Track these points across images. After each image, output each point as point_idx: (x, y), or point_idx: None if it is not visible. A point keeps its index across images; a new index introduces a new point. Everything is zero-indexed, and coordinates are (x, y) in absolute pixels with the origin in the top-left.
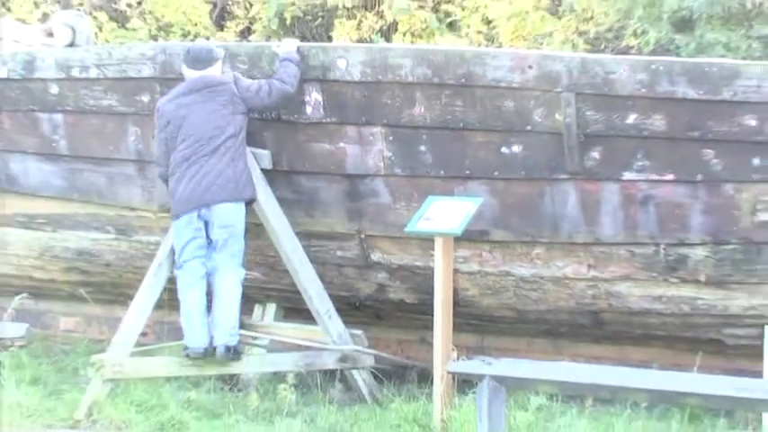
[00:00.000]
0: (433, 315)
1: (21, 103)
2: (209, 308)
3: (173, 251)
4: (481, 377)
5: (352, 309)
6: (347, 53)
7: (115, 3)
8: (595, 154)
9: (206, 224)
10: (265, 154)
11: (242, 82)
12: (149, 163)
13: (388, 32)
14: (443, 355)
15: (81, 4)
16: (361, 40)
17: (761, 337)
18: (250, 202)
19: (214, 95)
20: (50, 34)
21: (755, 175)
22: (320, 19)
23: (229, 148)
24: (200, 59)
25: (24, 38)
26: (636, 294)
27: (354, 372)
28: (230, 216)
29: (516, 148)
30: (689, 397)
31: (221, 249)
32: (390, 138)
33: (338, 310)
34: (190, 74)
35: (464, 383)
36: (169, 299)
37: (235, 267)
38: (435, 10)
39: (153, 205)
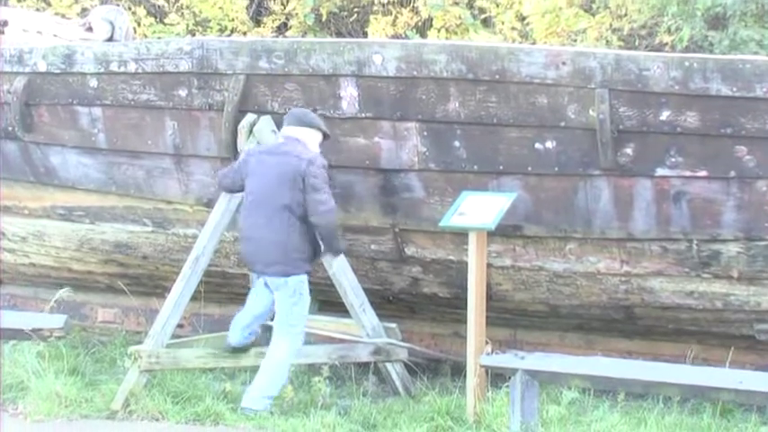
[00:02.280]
0: (466, 309)
1: (60, 97)
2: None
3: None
4: (514, 371)
5: (386, 302)
6: (383, 49)
7: None
8: (629, 150)
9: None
10: None
11: (312, 172)
12: (186, 157)
13: (423, 28)
14: (476, 349)
15: (120, 0)
16: (396, 36)
17: None
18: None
19: (285, 165)
20: (89, 29)
21: None
22: (355, 15)
23: (284, 219)
24: (295, 115)
25: (32, 26)
26: (668, 290)
27: (388, 365)
28: (278, 286)
29: (550, 144)
30: (721, 392)
31: (276, 313)
32: (425, 133)
33: (372, 304)
34: (284, 131)
35: (497, 377)
36: (205, 291)
37: (283, 336)
38: (470, 6)
39: (189, 198)
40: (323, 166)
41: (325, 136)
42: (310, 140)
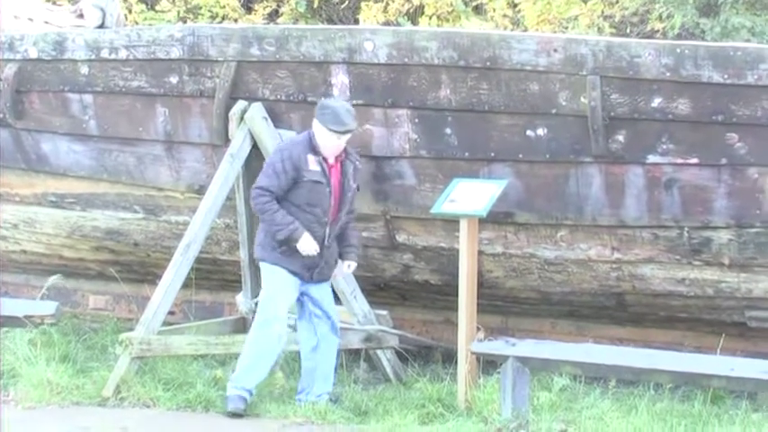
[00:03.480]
0: (457, 296)
1: (51, 84)
2: None
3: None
4: (505, 358)
5: (378, 289)
6: (374, 36)
7: None
8: (620, 137)
9: None
10: (292, 135)
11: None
12: (177, 143)
13: (414, 15)
14: (468, 336)
15: None
16: (387, 23)
17: None
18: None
19: None
20: (80, 16)
21: None
22: (347, 2)
23: None
24: None
25: (23, 12)
26: (659, 277)
27: (379, 351)
28: None
29: (541, 131)
30: (712, 379)
31: None
32: (416, 120)
33: (363, 291)
34: None
35: (488, 364)
36: (196, 278)
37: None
38: None
39: (180, 185)
40: (278, 149)
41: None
42: (316, 132)
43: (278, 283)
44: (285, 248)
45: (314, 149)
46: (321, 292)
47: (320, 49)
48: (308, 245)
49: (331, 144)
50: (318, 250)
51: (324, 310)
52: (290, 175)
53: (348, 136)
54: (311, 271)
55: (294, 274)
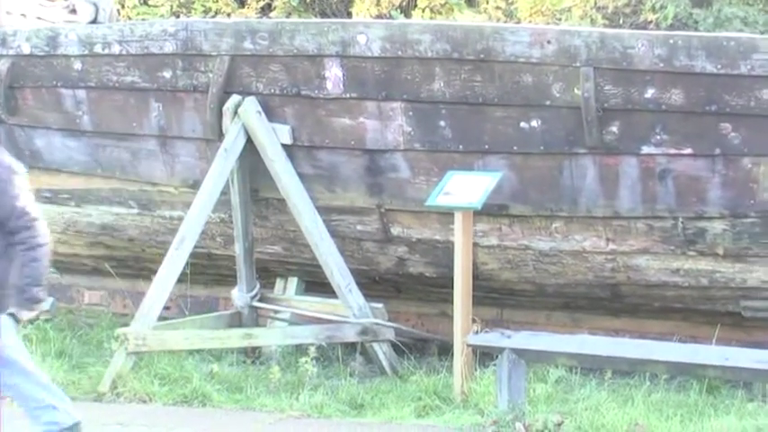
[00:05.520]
0: (452, 288)
1: (44, 80)
2: None
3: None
4: (501, 350)
5: (373, 282)
6: (367, 29)
7: None
8: (614, 128)
9: None
10: (286, 129)
11: None
12: (171, 138)
13: (407, 8)
14: (463, 329)
15: None
16: (380, 16)
17: None
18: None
19: None
20: (73, 11)
21: None
22: None
23: None
24: None
25: (16, 8)
26: (654, 267)
27: (375, 345)
28: None
29: (535, 123)
30: (708, 369)
31: None
32: (410, 113)
33: (358, 284)
34: None
35: (484, 356)
36: (191, 273)
37: None
38: None
39: (175, 180)
40: None
41: None
42: None
43: None
44: None
45: None
46: None
47: (313, 43)
48: None
49: None
50: None
51: None
52: None
53: None
54: None
55: None
